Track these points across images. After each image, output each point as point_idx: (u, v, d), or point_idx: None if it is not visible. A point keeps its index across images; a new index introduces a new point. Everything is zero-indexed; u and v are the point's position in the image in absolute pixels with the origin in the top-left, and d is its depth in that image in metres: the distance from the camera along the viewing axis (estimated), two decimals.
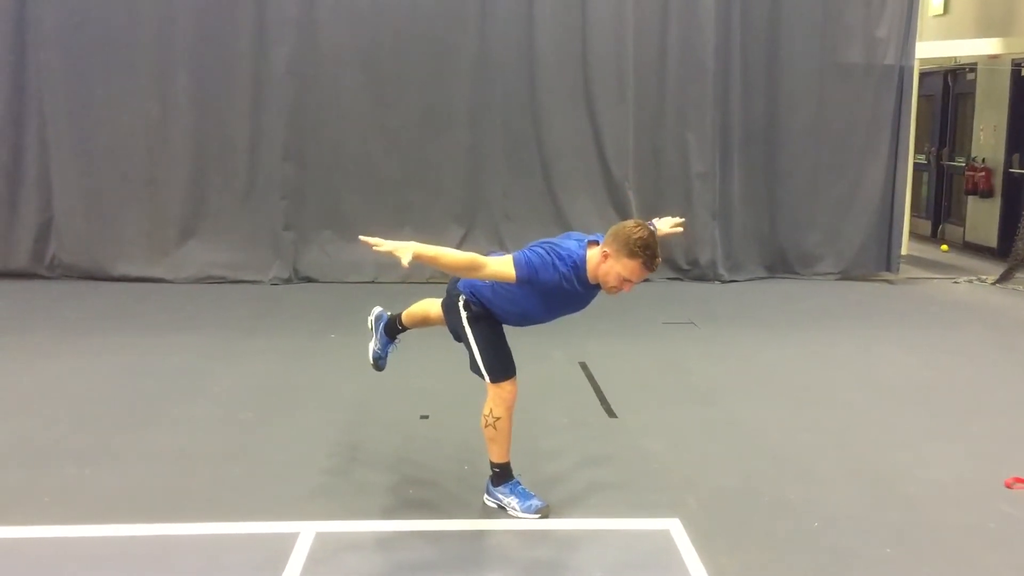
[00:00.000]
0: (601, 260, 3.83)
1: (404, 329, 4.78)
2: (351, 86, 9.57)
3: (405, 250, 3.53)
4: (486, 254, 3.91)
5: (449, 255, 3.74)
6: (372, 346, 4.89)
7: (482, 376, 4.13)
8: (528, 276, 3.78)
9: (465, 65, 9.63)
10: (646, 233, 3.78)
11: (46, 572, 3.64)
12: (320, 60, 9.51)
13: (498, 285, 3.97)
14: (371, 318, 4.91)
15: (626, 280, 3.82)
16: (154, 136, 9.46)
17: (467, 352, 4.17)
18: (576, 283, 3.88)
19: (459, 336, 4.23)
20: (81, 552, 3.78)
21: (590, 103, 9.79)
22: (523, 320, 4.13)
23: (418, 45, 9.54)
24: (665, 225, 4.43)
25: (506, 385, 4.08)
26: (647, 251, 3.76)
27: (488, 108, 9.72)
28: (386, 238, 3.59)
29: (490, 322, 4.12)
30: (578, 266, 3.86)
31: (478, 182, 9.83)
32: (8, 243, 9.46)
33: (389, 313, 4.84)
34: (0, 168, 9.37)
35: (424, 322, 4.65)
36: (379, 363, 4.91)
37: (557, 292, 3.88)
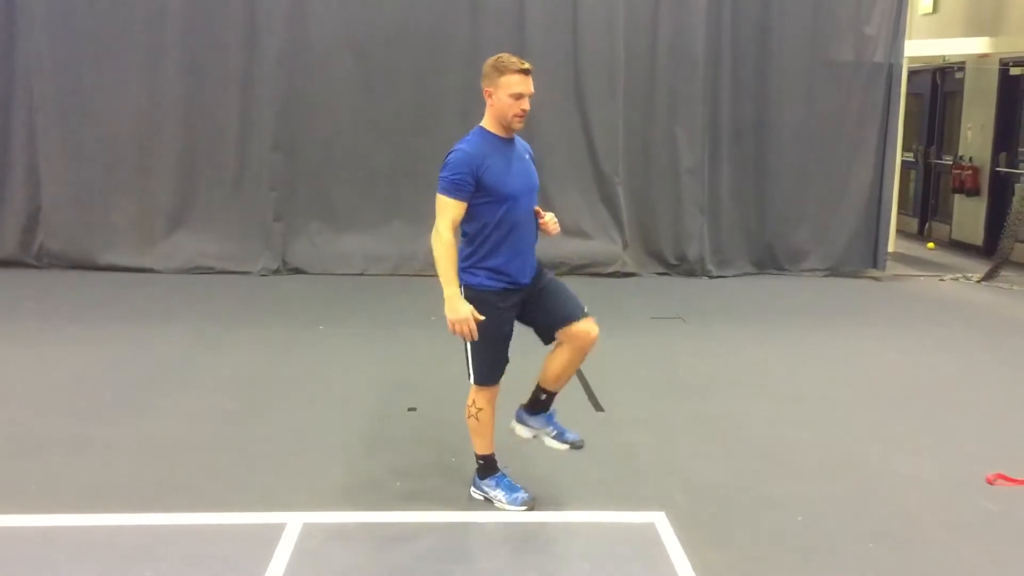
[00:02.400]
0: (489, 104, 4.10)
1: (549, 392, 4.15)
2: (342, 78, 9.55)
3: (468, 314, 3.78)
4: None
5: (440, 259, 3.91)
6: (545, 435, 4.19)
7: (468, 374, 4.11)
8: (462, 184, 3.94)
9: (456, 58, 9.61)
10: (500, 54, 4.12)
11: (32, 561, 3.63)
12: (311, 51, 9.48)
13: (473, 240, 4.01)
14: (516, 425, 4.24)
15: (517, 97, 4.05)
16: (143, 126, 9.43)
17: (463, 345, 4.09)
18: (495, 145, 4.08)
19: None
20: (67, 541, 3.79)
21: (581, 98, 9.79)
22: (516, 226, 4.03)
23: (409, 38, 9.52)
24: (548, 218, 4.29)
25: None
26: (511, 60, 4.05)
27: (478, 101, 9.62)
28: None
29: (493, 317, 3.98)
30: (481, 133, 4.12)
31: None
32: None
33: (522, 403, 4.22)
34: None
35: (563, 368, 4.06)
36: (565, 437, 4.18)
37: (492, 170, 3.99)
